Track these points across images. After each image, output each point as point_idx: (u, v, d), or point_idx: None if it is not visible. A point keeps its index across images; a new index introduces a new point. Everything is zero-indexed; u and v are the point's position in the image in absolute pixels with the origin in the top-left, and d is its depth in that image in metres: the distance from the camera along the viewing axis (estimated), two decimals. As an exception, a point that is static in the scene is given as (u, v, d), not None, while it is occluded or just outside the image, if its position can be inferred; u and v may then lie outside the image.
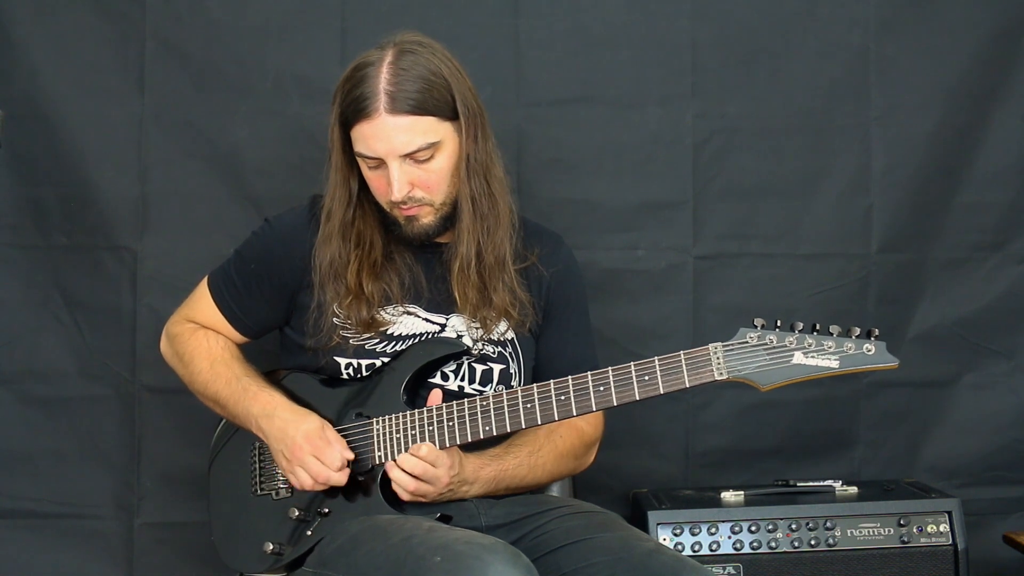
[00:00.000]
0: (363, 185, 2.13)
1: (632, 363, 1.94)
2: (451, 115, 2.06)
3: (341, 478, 2.04)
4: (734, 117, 2.74)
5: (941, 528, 2.40)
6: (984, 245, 2.79)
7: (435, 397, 2.05)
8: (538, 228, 2.28)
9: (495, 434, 2.01)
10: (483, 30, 2.71)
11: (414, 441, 2.03)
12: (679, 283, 2.75)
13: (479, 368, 2.16)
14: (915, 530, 2.40)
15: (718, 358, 1.90)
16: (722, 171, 2.75)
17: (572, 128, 2.73)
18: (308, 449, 2.03)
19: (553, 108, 2.72)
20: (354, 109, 2.03)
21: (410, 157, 2.03)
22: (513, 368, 2.18)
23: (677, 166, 2.74)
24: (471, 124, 2.08)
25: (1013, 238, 2.79)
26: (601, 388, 1.95)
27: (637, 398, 1.93)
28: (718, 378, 1.90)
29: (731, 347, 1.90)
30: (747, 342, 1.89)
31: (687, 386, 1.91)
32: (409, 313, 2.15)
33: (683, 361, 1.91)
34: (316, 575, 1.99)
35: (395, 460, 2.02)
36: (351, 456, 2.05)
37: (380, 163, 2.05)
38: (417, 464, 1.99)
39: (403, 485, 2.01)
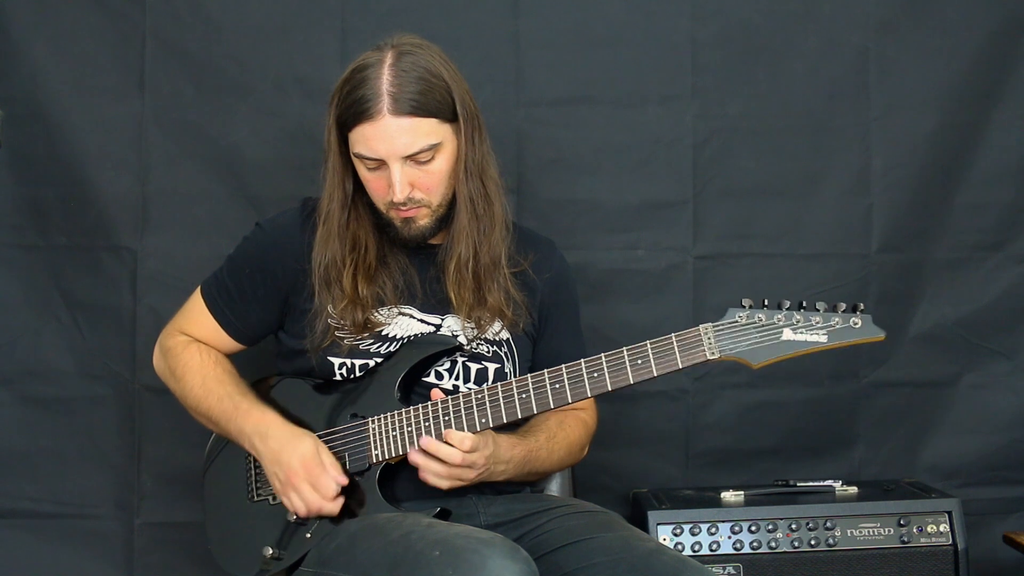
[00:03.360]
0: (357, 187, 2.13)
1: (624, 348, 1.95)
2: (451, 116, 2.06)
3: (334, 507, 2.04)
4: (734, 117, 2.75)
5: (941, 528, 2.40)
6: (984, 245, 2.79)
7: (436, 395, 2.05)
8: (530, 234, 2.29)
9: (491, 426, 2.01)
10: (483, 30, 2.71)
11: (410, 439, 2.03)
12: (679, 283, 2.75)
13: (473, 367, 2.16)
14: (915, 530, 2.40)
15: (709, 338, 1.92)
16: (722, 171, 2.75)
17: (572, 128, 2.73)
18: (303, 475, 2.03)
19: (553, 108, 2.72)
20: (355, 111, 2.02)
21: (411, 159, 2.03)
22: (508, 368, 2.18)
23: (677, 166, 2.74)
24: (469, 125, 2.09)
25: (1013, 238, 2.79)
26: (595, 374, 1.96)
27: (631, 382, 1.95)
28: (710, 357, 1.92)
29: (721, 327, 1.92)
30: (737, 321, 1.92)
31: (680, 367, 1.93)
32: (403, 314, 2.15)
33: (675, 343, 1.94)
34: (316, 574, 1.99)
35: (421, 446, 1.99)
36: (345, 482, 2.04)
37: (380, 165, 2.05)
38: (455, 454, 1.97)
39: (437, 473, 2.00)
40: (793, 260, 2.77)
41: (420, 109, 2.01)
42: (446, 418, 2.01)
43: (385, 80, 2.01)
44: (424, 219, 2.10)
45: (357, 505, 2.07)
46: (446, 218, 2.12)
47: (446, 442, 1.98)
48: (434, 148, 2.04)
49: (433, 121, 2.03)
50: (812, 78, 2.75)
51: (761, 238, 2.77)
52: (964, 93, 2.75)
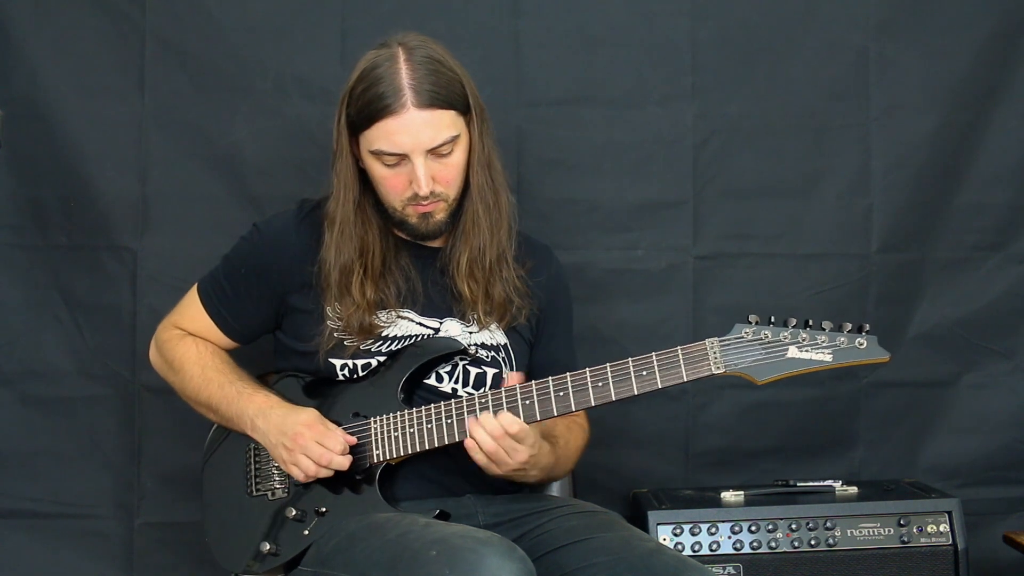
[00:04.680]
0: (363, 190, 2.13)
1: (630, 359, 1.95)
2: (465, 109, 2.07)
3: (344, 461, 2.03)
4: (734, 117, 2.75)
5: (941, 528, 2.40)
6: (984, 245, 2.79)
7: (514, 379, 2.04)
8: (528, 240, 2.29)
9: None
10: (483, 30, 2.71)
11: (412, 440, 2.04)
12: (679, 283, 2.75)
13: (473, 371, 2.16)
14: (915, 530, 2.40)
15: (715, 353, 1.92)
16: (722, 171, 2.75)
17: (572, 128, 2.73)
18: (310, 435, 2.03)
19: (553, 108, 2.72)
20: (375, 108, 2.01)
21: (433, 152, 2.04)
22: (506, 372, 2.18)
23: (677, 166, 2.74)
24: (479, 118, 2.10)
25: (1013, 238, 2.79)
26: (599, 384, 1.96)
27: (635, 393, 1.95)
28: (715, 372, 1.92)
29: (727, 342, 1.93)
30: (743, 337, 1.92)
31: (684, 380, 1.94)
32: (402, 318, 2.14)
33: (680, 356, 1.94)
34: (314, 574, 1.99)
35: (478, 418, 1.97)
36: (353, 440, 2.05)
37: (399, 161, 2.04)
38: (497, 428, 1.95)
39: (482, 444, 1.96)
40: (793, 260, 2.77)
41: (440, 101, 2.02)
42: (448, 421, 2.01)
43: (404, 74, 2.01)
44: (441, 213, 2.11)
45: (356, 504, 2.07)
46: (456, 213, 2.13)
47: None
48: (454, 140, 2.05)
49: (452, 113, 2.04)
50: (812, 78, 2.75)
51: (761, 238, 2.77)
52: (964, 93, 2.75)
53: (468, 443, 1.98)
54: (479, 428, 1.96)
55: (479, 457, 1.97)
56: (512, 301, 2.16)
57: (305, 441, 2.03)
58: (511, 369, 2.19)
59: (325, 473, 2.04)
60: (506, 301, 2.15)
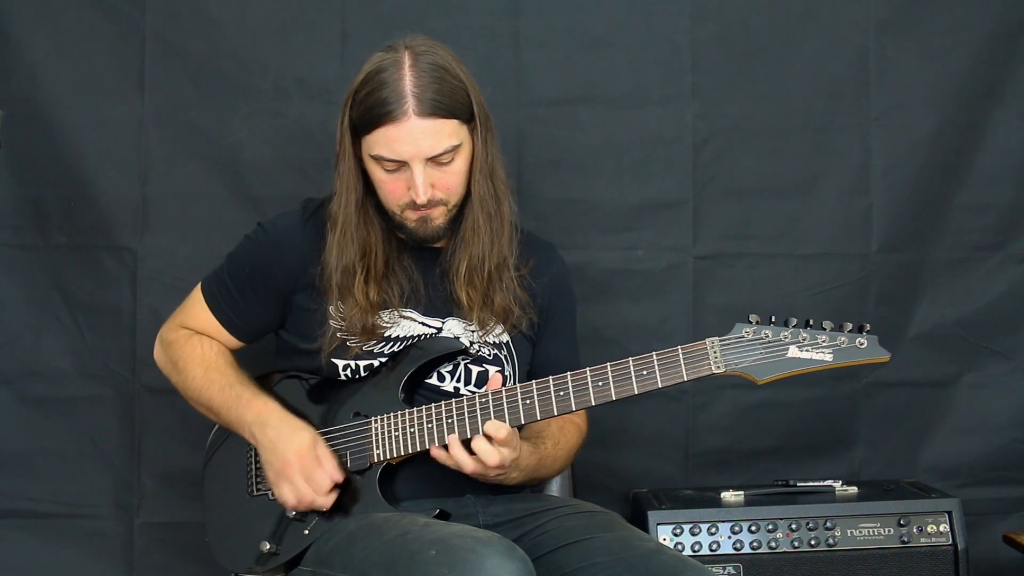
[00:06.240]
0: (365, 192, 2.13)
1: (630, 358, 1.95)
2: (468, 117, 2.06)
3: (326, 502, 2.04)
4: (734, 117, 2.75)
5: (941, 528, 2.40)
6: (984, 245, 2.79)
7: (495, 381, 2.04)
8: (531, 238, 2.28)
9: None
10: (483, 30, 2.70)
11: (412, 440, 2.04)
12: (679, 283, 2.75)
13: (475, 370, 2.16)
14: (915, 530, 2.40)
15: (715, 352, 1.92)
16: (722, 171, 2.75)
17: (572, 128, 2.73)
18: (298, 467, 2.03)
19: (553, 108, 2.72)
20: (377, 113, 2.00)
21: (433, 160, 2.03)
22: (508, 370, 2.18)
23: (677, 166, 2.74)
24: (483, 126, 2.09)
25: (1013, 238, 2.79)
26: (600, 383, 1.96)
27: (636, 392, 1.95)
28: (715, 371, 1.92)
29: (727, 341, 1.93)
30: (743, 336, 1.92)
31: (685, 380, 1.94)
32: (405, 317, 2.15)
33: (680, 356, 1.94)
34: (314, 573, 1.99)
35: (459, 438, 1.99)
36: (340, 478, 2.04)
37: (399, 167, 2.04)
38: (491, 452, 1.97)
39: (461, 463, 1.99)
40: (793, 260, 2.77)
41: (443, 110, 2.01)
42: (449, 421, 2.01)
43: (408, 81, 2.00)
44: (440, 218, 2.10)
45: (356, 504, 2.07)
46: (456, 219, 2.12)
47: (486, 433, 1.97)
48: (455, 150, 2.04)
49: (454, 122, 2.03)
50: (812, 78, 2.75)
51: (761, 238, 2.77)
52: (964, 93, 2.75)
53: (435, 452, 2.00)
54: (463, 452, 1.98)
55: (449, 462, 2.00)
56: (512, 310, 2.16)
57: (291, 473, 2.03)
58: (512, 367, 2.19)
59: (304, 509, 2.05)
60: (507, 309, 2.15)
